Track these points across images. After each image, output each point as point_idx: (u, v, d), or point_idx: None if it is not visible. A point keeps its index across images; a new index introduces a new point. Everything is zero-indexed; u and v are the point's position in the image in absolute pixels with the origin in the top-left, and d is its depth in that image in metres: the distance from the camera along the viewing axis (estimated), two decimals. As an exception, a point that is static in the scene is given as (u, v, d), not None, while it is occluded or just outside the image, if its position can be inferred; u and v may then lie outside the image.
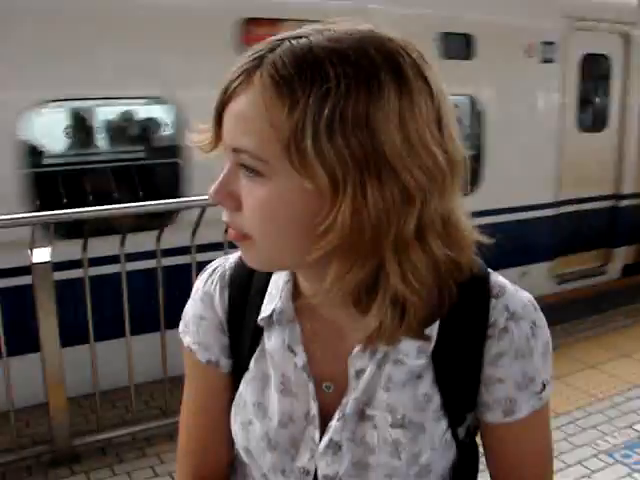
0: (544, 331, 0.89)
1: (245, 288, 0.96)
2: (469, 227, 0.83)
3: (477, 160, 5.02)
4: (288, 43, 0.74)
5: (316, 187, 0.72)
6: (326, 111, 0.70)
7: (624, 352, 4.62)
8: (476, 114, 5.22)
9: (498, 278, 0.90)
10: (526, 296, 0.90)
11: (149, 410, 3.77)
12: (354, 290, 0.79)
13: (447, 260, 0.80)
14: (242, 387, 0.95)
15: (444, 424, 0.88)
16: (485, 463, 0.95)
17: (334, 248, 0.75)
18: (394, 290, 0.77)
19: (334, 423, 0.88)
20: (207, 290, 0.98)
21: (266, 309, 0.92)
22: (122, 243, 3.36)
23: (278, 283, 0.93)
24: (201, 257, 3.38)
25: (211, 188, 0.79)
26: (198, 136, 0.82)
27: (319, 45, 0.73)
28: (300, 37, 0.75)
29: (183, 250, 3.58)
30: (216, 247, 3.20)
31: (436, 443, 0.88)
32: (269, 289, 0.94)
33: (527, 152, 5.45)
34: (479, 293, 0.88)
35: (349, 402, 0.88)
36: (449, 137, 0.76)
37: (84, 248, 3.26)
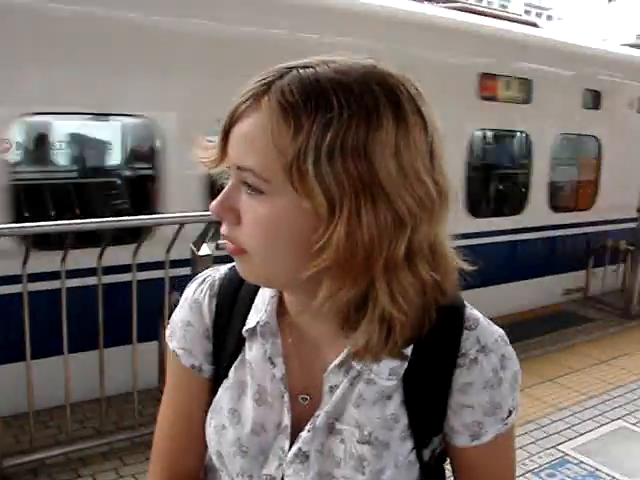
0: (513, 362, 0.93)
1: (232, 298, 1.01)
2: (452, 253, 0.87)
3: (596, 183, 7.23)
4: (296, 72, 0.79)
5: (314, 207, 0.77)
6: (328, 138, 0.75)
7: (549, 377, 4.83)
8: (597, 148, 7.25)
9: (473, 311, 0.95)
10: (497, 330, 0.95)
11: (84, 430, 3.69)
12: (344, 308, 0.83)
13: (433, 283, 0.84)
14: (220, 393, 0.99)
15: (409, 444, 0.92)
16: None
17: (327, 267, 0.79)
18: (382, 309, 0.82)
19: (304, 434, 0.92)
20: (196, 298, 1.03)
21: (251, 320, 0.97)
22: (63, 259, 3.31)
23: (265, 296, 0.97)
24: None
25: (213, 202, 0.84)
26: (203, 152, 0.86)
27: (326, 76, 0.78)
28: (307, 67, 0.80)
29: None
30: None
31: (400, 462, 0.92)
32: (255, 301, 0.98)
33: (631, 173, 7.61)
34: (454, 322, 0.92)
35: (320, 414, 0.92)
36: (439, 169, 0.82)
37: (24, 263, 3.20)
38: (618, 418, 4.20)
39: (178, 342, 1.03)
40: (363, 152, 0.76)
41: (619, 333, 6.03)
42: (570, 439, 3.88)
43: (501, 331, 0.95)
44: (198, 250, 3.50)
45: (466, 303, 0.95)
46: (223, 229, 0.85)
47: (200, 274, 1.07)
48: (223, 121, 0.82)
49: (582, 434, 3.96)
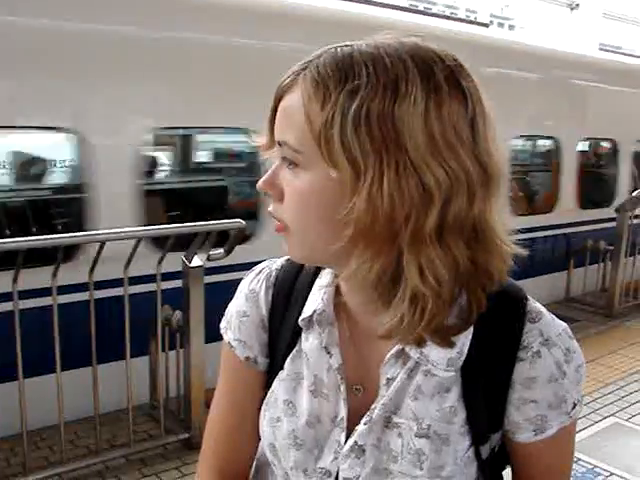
0: (577, 356, 0.91)
1: (289, 289, 1.00)
2: (505, 238, 0.84)
3: None
4: (333, 50, 0.82)
5: (340, 176, 0.78)
6: (354, 106, 0.76)
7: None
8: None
9: (536, 304, 0.92)
10: (561, 324, 0.92)
11: (76, 450, 3.61)
12: (377, 281, 0.82)
13: (471, 265, 0.81)
14: (275, 385, 0.98)
15: (468, 440, 0.90)
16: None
17: (355, 239, 0.79)
18: (413, 286, 0.80)
19: (360, 427, 0.90)
20: (253, 288, 1.02)
21: (308, 310, 0.95)
22: (14, 280, 3.11)
23: (322, 285, 0.96)
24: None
25: (260, 180, 0.87)
26: (259, 138, 0.89)
27: (359, 50, 0.80)
28: (346, 46, 0.82)
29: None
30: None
31: (459, 458, 0.89)
32: (312, 291, 0.97)
33: None
34: (514, 313, 0.89)
35: (377, 407, 0.90)
36: (485, 148, 0.80)
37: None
38: (611, 415, 4.23)
39: (233, 333, 1.03)
40: (390, 120, 0.76)
41: (603, 332, 6.09)
42: (566, 437, 3.89)
43: (565, 325, 0.93)
44: (190, 262, 3.46)
45: (528, 295, 0.93)
46: (270, 207, 0.88)
47: (257, 266, 1.06)
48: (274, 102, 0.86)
49: (578, 432, 3.94)
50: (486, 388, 0.89)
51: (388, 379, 0.90)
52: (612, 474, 3.53)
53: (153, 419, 3.92)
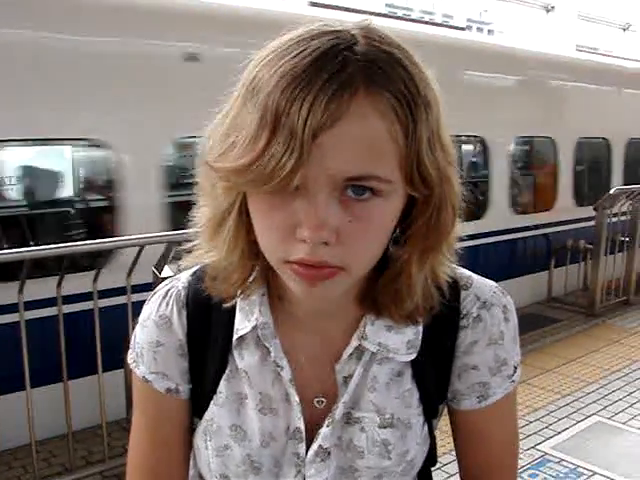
0: (513, 314, 0.92)
1: (206, 307, 0.91)
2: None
3: None
4: (379, 52, 0.71)
5: (416, 196, 0.76)
6: (429, 131, 0.72)
7: (522, 379, 4.81)
8: None
9: (460, 269, 0.91)
10: (491, 283, 0.93)
11: (51, 468, 3.54)
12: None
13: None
14: (213, 411, 0.91)
15: (422, 418, 0.90)
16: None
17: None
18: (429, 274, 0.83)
19: (323, 430, 0.87)
20: (162, 314, 0.92)
21: (243, 326, 0.88)
22: (20, 290, 3.17)
23: (250, 298, 0.88)
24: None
25: (308, 227, 0.70)
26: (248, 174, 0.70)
27: (421, 71, 0.73)
28: (399, 59, 0.72)
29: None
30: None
31: (419, 438, 0.89)
32: (240, 305, 0.89)
33: None
34: (448, 285, 0.88)
35: (338, 407, 0.87)
36: None
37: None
38: (593, 414, 4.20)
39: (147, 367, 0.92)
40: (442, 141, 0.76)
41: (585, 331, 6.08)
42: (548, 438, 3.87)
43: (494, 283, 0.93)
44: (160, 272, 3.40)
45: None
46: (311, 254, 0.71)
47: (157, 289, 0.96)
48: (298, 127, 0.66)
49: (560, 432, 3.95)
50: (433, 363, 0.90)
51: (345, 377, 0.87)
52: (595, 473, 3.49)
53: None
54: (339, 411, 0.88)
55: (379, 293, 0.84)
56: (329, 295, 0.77)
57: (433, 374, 0.90)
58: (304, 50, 0.68)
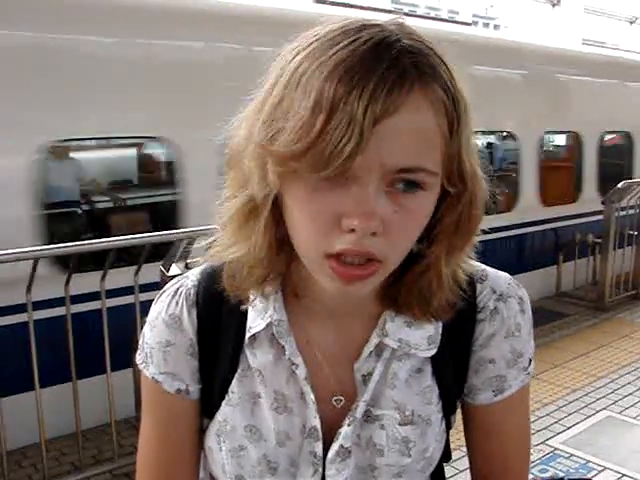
0: (529, 306, 0.92)
1: (217, 306, 0.89)
2: None
3: None
4: (426, 50, 0.71)
5: (452, 190, 0.77)
6: (468, 127, 0.74)
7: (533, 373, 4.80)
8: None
9: (474, 262, 0.90)
10: (505, 274, 0.93)
11: (61, 467, 3.55)
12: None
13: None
14: (226, 412, 0.89)
15: (441, 414, 0.90)
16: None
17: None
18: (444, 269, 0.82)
19: (344, 429, 0.86)
20: (172, 313, 0.90)
21: (256, 324, 0.87)
22: (29, 290, 3.17)
23: (263, 295, 0.86)
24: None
25: (358, 216, 0.69)
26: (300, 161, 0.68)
27: (454, 69, 0.74)
28: (441, 56, 0.73)
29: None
30: None
31: (438, 435, 0.89)
32: (253, 302, 0.87)
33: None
34: (465, 279, 0.87)
35: (359, 406, 0.86)
36: None
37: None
38: (603, 408, 4.18)
39: (156, 367, 0.91)
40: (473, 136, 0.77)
41: (595, 326, 6.05)
42: (558, 433, 3.85)
43: (508, 274, 0.93)
44: (168, 270, 3.40)
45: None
46: (359, 244, 0.70)
47: (166, 288, 0.94)
48: (358, 113, 0.66)
49: (570, 427, 3.93)
50: (453, 357, 0.89)
51: (364, 376, 0.86)
52: (605, 468, 3.48)
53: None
54: (360, 410, 0.86)
55: (403, 290, 0.83)
56: (363, 292, 0.77)
57: (451, 370, 0.90)
58: (356, 40, 0.68)
